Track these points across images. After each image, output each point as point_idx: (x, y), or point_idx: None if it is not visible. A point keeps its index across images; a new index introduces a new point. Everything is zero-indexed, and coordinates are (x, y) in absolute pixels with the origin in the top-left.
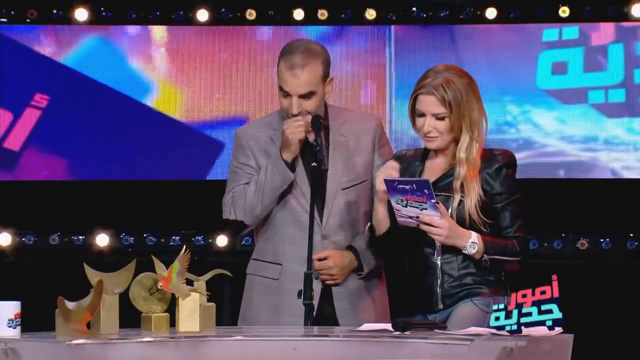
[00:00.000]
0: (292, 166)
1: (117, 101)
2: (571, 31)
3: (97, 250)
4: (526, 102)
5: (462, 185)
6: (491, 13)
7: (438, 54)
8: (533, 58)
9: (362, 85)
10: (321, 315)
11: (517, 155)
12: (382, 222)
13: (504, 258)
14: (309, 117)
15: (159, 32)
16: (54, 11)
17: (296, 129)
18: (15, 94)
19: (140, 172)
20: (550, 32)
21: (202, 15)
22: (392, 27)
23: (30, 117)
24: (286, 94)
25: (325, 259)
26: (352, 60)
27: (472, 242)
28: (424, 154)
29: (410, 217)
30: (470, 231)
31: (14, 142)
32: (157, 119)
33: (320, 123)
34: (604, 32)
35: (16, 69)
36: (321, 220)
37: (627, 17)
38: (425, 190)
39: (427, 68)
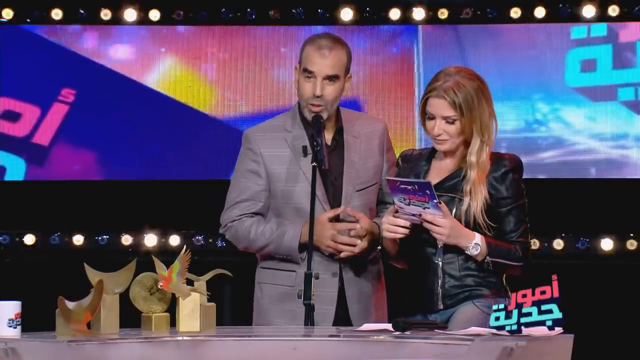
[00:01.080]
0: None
1: (144, 94)
2: (599, 28)
3: (97, 250)
4: (556, 100)
5: (470, 188)
6: (516, 13)
7: (465, 53)
8: (561, 56)
9: (390, 86)
10: (337, 318)
11: (548, 154)
12: (391, 249)
13: (506, 262)
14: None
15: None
16: (81, 11)
17: (328, 241)
18: (42, 89)
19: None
20: (578, 30)
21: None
22: (420, 27)
23: (58, 112)
24: (310, 76)
25: (355, 221)
26: (380, 61)
27: (475, 244)
28: (430, 154)
29: (414, 215)
30: (475, 232)
31: (42, 137)
32: (184, 112)
33: (320, 123)
34: (632, 29)
35: (42, 64)
36: (337, 221)
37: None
38: (427, 191)
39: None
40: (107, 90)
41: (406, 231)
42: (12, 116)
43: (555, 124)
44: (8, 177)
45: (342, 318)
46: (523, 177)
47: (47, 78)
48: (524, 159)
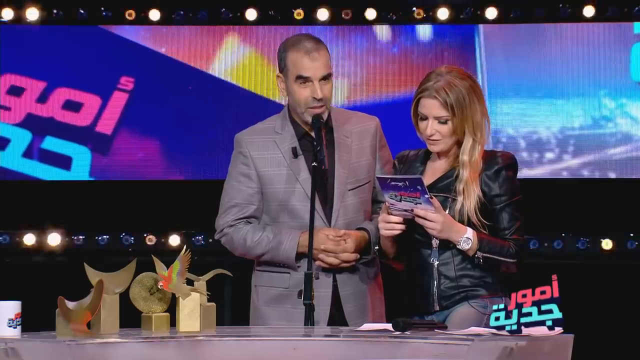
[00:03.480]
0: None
1: (200, 80)
2: None
3: (97, 250)
4: (622, 96)
5: (462, 187)
6: (589, 11)
7: (529, 51)
8: (626, 51)
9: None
10: (331, 318)
11: (617, 150)
12: (389, 249)
13: (499, 258)
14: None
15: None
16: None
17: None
18: (101, 78)
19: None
20: None
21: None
22: (481, 26)
23: (118, 101)
24: (305, 81)
25: (342, 237)
26: (441, 60)
27: (466, 238)
28: (425, 156)
29: (405, 211)
30: (467, 227)
31: (105, 126)
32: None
33: (320, 123)
34: None
35: (100, 53)
36: (330, 221)
37: None
38: (418, 187)
39: (519, 67)
40: (165, 78)
41: (402, 227)
42: (74, 106)
43: (622, 120)
44: (74, 167)
45: (337, 318)
46: (524, 176)
47: (105, 67)
48: (593, 156)
